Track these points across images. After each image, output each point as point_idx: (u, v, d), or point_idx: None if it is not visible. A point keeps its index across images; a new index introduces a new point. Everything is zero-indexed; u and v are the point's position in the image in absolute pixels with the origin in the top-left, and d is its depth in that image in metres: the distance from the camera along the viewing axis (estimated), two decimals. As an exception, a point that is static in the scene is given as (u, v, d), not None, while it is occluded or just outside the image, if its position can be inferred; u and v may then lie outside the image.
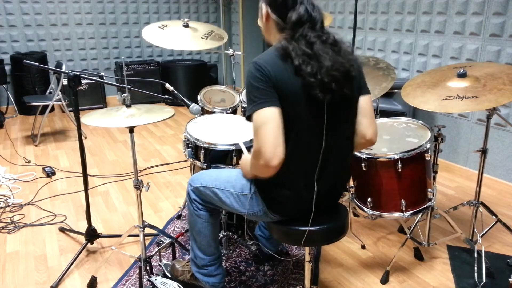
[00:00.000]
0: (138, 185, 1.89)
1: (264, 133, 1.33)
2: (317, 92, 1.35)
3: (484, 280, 1.99)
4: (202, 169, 2.09)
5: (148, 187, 1.92)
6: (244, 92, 2.69)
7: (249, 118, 1.38)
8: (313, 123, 1.42)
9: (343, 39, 1.46)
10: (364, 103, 1.53)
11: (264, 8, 1.46)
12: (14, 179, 3.34)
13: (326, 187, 1.49)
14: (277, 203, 1.53)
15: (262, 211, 1.57)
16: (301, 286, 1.99)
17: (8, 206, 2.90)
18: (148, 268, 1.98)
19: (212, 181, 1.69)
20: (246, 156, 1.60)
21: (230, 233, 2.32)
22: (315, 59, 1.35)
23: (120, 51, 6.11)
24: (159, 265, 2.13)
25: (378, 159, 1.95)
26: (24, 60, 2.03)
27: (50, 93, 4.76)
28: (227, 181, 1.66)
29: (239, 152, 2.05)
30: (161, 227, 2.60)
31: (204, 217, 1.76)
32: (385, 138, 2.12)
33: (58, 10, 5.62)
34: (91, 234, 2.27)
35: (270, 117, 1.33)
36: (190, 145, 2.16)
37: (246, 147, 1.88)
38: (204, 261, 1.82)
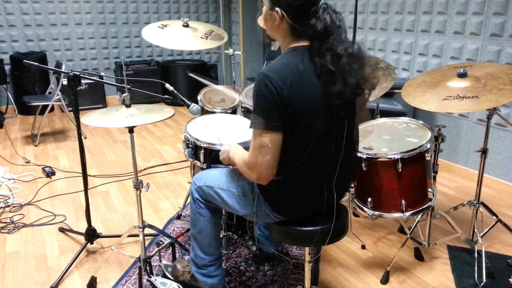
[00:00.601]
0: (138, 185, 1.89)
1: (262, 155, 1.37)
2: (340, 111, 1.36)
3: (484, 280, 1.99)
4: (202, 169, 2.09)
5: (148, 187, 1.92)
6: (244, 92, 2.68)
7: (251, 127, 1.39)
8: (327, 133, 1.41)
9: (365, 51, 1.42)
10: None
11: (278, 12, 1.36)
12: (13, 179, 3.34)
13: (335, 191, 1.50)
14: (281, 205, 1.53)
15: (264, 212, 1.57)
16: (301, 286, 1.99)
17: (8, 206, 2.90)
18: (148, 268, 1.98)
19: (215, 181, 1.69)
20: (235, 151, 1.61)
21: (230, 233, 2.32)
22: (340, 76, 1.31)
23: (119, 51, 6.10)
24: (159, 265, 2.13)
25: (378, 159, 1.95)
26: (24, 60, 2.02)
27: (49, 93, 4.76)
28: (229, 181, 1.66)
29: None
30: (161, 227, 2.60)
31: (206, 216, 1.76)
32: (385, 138, 2.12)
33: (58, 10, 5.61)
34: (91, 234, 2.27)
35: (270, 141, 1.35)
36: (190, 145, 2.15)
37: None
38: (204, 261, 1.82)
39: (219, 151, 2.08)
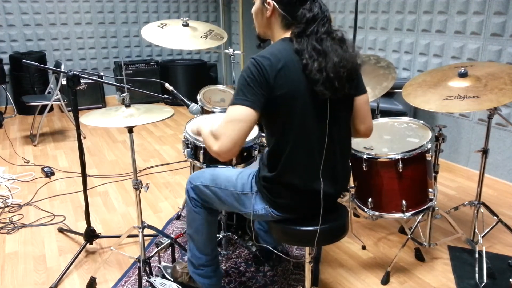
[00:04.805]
0: (137, 186, 1.88)
1: (235, 130, 1.35)
2: (320, 89, 1.36)
3: (485, 281, 1.98)
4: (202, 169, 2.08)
5: (148, 188, 1.91)
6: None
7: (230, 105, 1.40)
8: (315, 122, 1.43)
9: (350, 41, 1.47)
10: (364, 103, 1.58)
11: (270, 3, 1.43)
12: (13, 179, 3.33)
13: (329, 183, 1.49)
14: (279, 201, 1.52)
15: (264, 210, 1.56)
16: (301, 287, 1.98)
17: (7, 206, 2.89)
18: (147, 269, 1.97)
19: (212, 180, 1.68)
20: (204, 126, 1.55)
21: (230, 233, 2.31)
22: (323, 55, 1.37)
23: (119, 50, 6.09)
24: (158, 266, 2.12)
25: (379, 159, 1.94)
26: (23, 60, 2.01)
27: (49, 92, 4.75)
28: (227, 180, 1.65)
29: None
30: (160, 227, 2.59)
31: (202, 215, 1.75)
32: (386, 138, 2.11)
33: (57, 10, 5.60)
34: (90, 235, 2.26)
35: (247, 119, 1.35)
36: (189, 145, 2.15)
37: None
38: (201, 261, 1.81)
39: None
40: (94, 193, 3.10)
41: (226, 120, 1.37)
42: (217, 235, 2.18)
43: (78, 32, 5.79)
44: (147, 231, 2.02)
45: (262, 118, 1.45)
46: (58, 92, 4.24)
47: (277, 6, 1.43)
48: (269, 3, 1.44)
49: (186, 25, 2.60)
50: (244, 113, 1.35)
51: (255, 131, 2.16)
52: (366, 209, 2.03)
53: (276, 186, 1.50)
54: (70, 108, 4.51)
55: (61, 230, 2.57)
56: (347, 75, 1.39)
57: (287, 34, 1.44)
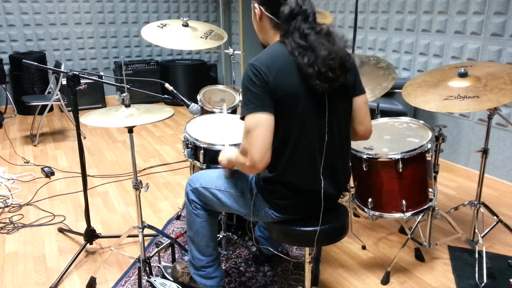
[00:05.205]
0: (137, 186, 1.88)
1: (255, 137, 1.36)
2: (316, 82, 1.36)
3: (485, 281, 1.98)
4: (202, 169, 2.08)
5: (148, 188, 1.91)
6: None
7: (242, 118, 1.41)
8: (315, 121, 1.43)
9: (338, 32, 1.46)
10: (363, 104, 1.57)
11: (257, 7, 1.47)
12: (13, 179, 3.33)
13: (329, 182, 1.49)
14: (279, 201, 1.52)
15: (263, 211, 1.56)
16: (301, 287, 1.98)
17: (7, 206, 2.89)
18: (147, 269, 1.97)
19: (212, 182, 1.68)
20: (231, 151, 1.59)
21: (230, 233, 2.31)
22: (310, 50, 1.37)
23: (119, 50, 6.09)
24: (158, 266, 2.12)
25: (379, 159, 1.94)
26: (23, 60, 2.01)
27: (49, 92, 4.75)
28: (227, 181, 1.65)
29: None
30: (160, 227, 2.59)
31: (203, 217, 1.75)
32: (386, 138, 2.11)
33: (57, 10, 5.60)
34: (90, 235, 2.26)
35: (262, 122, 1.36)
36: (189, 145, 2.15)
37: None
38: (202, 262, 1.81)
39: (218, 151, 2.07)
40: (94, 193, 3.10)
41: (245, 133, 1.38)
42: (217, 235, 2.18)
43: (78, 32, 5.79)
44: (147, 231, 2.03)
45: None
46: (58, 92, 4.24)
47: (262, 8, 1.45)
48: (255, 7, 1.47)
49: (186, 25, 2.60)
50: (257, 119, 1.35)
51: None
52: (366, 209, 2.03)
53: (276, 186, 1.49)
54: (70, 108, 4.51)
55: (61, 230, 2.57)
56: (339, 65, 1.39)
57: (279, 36, 1.45)
